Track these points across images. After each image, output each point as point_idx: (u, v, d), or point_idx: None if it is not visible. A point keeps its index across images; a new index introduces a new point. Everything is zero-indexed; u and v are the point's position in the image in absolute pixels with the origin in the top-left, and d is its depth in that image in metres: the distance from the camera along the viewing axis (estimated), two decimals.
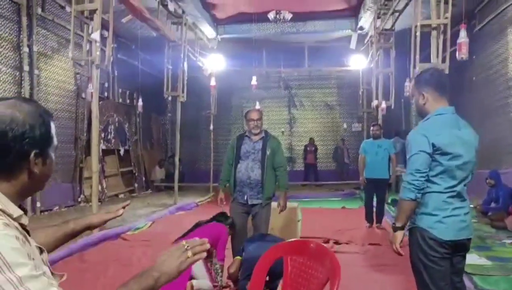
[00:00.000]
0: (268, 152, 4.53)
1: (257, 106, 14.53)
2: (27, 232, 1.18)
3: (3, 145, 1.11)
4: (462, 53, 6.07)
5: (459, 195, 2.48)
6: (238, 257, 4.07)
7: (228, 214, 4.63)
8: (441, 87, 2.53)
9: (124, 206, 1.75)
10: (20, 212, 1.15)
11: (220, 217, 4.53)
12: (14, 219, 1.13)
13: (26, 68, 8.36)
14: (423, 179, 2.41)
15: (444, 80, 2.57)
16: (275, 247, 2.58)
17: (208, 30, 12.43)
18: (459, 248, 2.52)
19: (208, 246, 1.31)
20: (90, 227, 1.65)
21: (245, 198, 4.60)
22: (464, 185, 2.51)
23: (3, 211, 1.11)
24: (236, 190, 4.64)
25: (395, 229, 2.51)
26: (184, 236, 4.26)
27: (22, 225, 1.16)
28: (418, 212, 2.49)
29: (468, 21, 9.96)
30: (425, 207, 2.47)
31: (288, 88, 16.95)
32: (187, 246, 1.27)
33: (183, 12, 10.48)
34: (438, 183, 2.45)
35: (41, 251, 1.24)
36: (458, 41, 6.13)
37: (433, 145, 2.40)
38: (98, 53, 6.29)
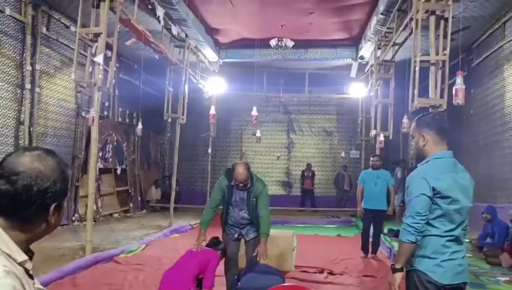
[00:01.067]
0: (253, 202, 4.50)
1: (258, 134, 14.63)
2: (31, 276, 1.21)
3: (27, 198, 1.17)
4: (459, 99, 6.14)
5: (457, 239, 2.50)
6: None
7: (221, 239, 4.63)
8: (442, 131, 2.57)
9: None
10: (25, 257, 1.19)
11: (213, 242, 4.52)
12: (19, 264, 1.16)
13: (27, 86, 8.40)
14: (423, 222, 2.42)
15: (445, 125, 2.61)
16: None
17: (210, 54, 12.56)
18: None
19: None
20: None
21: (236, 235, 4.67)
22: (462, 230, 2.52)
23: (9, 256, 1.14)
24: (228, 227, 4.68)
25: (394, 270, 2.51)
26: (177, 262, 4.25)
27: (26, 269, 1.18)
28: (417, 255, 2.49)
29: (466, 56, 10.11)
30: (424, 250, 2.47)
31: (288, 113, 17.04)
32: None
33: (186, 36, 10.60)
34: (437, 227, 2.46)
35: None
36: (455, 87, 6.21)
37: (433, 189, 2.42)
38: (100, 76, 6.34)
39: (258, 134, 14.69)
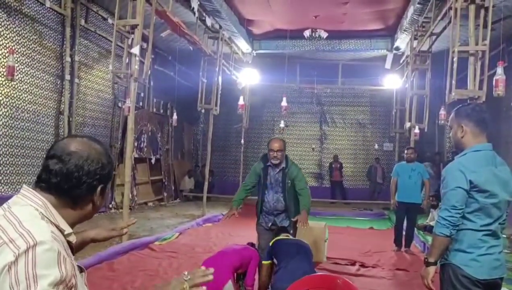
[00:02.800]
0: (288, 184, 4.56)
1: (282, 125, 14.60)
2: (72, 250, 1.29)
3: (78, 177, 1.26)
4: (499, 90, 5.94)
5: (494, 234, 2.45)
6: (266, 262, 4.09)
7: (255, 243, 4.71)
8: (482, 123, 2.51)
9: (130, 225, 1.89)
10: (71, 230, 1.28)
11: (250, 244, 4.59)
12: (64, 236, 1.25)
13: (67, 77, 8.68)
14: (458, 215, 2.38)
15: (485, 117, 2.54)
16: (302, 281, 2.59)
17: (243, 45, 12.59)
18: (492, 287, 2.47)
19: (211, 277, 1.38)
20: (93, 241, 1.76)
21: (269, 225, 4.72)
22: (500, 224, 2.47)
23: (56, 226, 1.22)
24: (262, 215, 4.74)
25: (428, 264, 2.49)
26: (219, 253, 4.33)
27: (69, 242, 1.27)
28: (452, 249, 2.46)
29: (506, 46, 9.75)
30: (460, 244, 2.44)
31: (321, 105, 16.90)
32: (187, 278, 1.36)
33: (220, 27, 10.66)
34: (473, 221, 2.42)
35: (81, 271, 1.33)
36: (495, 77, 6.00)
37: (470, 182, 2.37)
38: (137, 67, 6.48)
39: (282, 124, 14.63)
